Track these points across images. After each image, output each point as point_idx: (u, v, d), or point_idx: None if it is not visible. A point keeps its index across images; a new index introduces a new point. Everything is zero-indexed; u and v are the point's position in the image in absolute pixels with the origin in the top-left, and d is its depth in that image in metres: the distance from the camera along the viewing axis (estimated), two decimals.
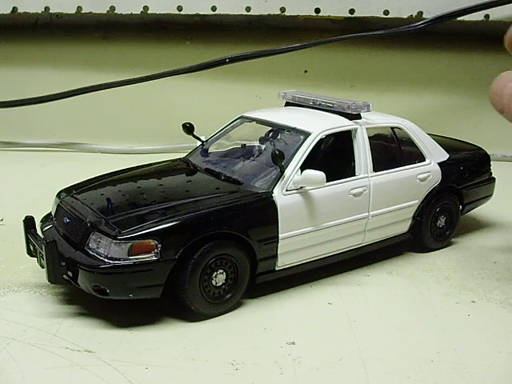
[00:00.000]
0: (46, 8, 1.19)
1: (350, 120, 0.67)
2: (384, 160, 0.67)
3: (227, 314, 0.58)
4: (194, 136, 0.72)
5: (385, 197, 0.67)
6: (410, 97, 1.23)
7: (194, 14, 1.19)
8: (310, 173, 0.60)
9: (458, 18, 1.06)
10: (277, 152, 0.59)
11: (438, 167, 0.74)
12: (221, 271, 0.57)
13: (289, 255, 0.61)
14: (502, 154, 1.16)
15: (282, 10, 1.16)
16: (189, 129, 0.72)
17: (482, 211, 0.88)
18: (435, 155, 0.74)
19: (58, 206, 0.62)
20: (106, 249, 0.54)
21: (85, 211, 0.59)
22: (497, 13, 1.09)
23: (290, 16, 1.17)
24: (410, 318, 0.59)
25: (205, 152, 0.72)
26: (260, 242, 0.59)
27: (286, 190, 0.60)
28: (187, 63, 1.06)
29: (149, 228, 0.54)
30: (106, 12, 1.19)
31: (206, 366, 0.49)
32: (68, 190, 0.65)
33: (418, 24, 1.04)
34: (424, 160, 0.73)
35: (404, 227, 0.70)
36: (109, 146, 1.16)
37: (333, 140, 0.65)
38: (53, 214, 0.63)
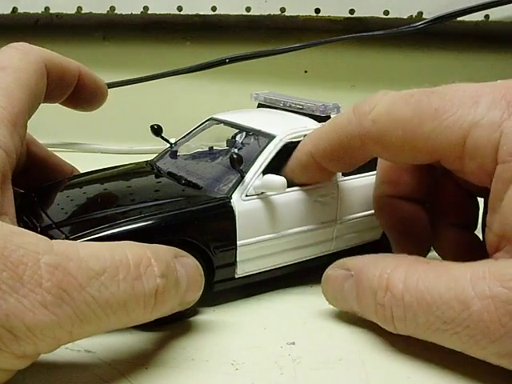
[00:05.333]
0: (46, 8, 1.19)
1: (319, 122, 0.65)
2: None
3: (227, 314, 0.58)
4: (162, 138, 0.70)
5: (354, 203, 0.64)
6: None
7: (194, 14, 1.19)
8: (270, 178, 0.58)
9: (458, 18, 1.06)
10: (235, 156, 0.57)
11: None
12: None
13: (250, 263, 0.59)
14: None
15: (282, 10, 1.16)
16: (156, 130, 0.69)
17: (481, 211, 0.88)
18: None
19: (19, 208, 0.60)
20: None
21: (39, 215, 0.57)
22: (497, 13, 1.09)
23: (290, 16, 1.17)
24: None
25: (172, 155, 0.70)
26: (217, 248, 0.57)
27: (246, 196, 0.58)
28: (187, 63, 1.07)
29: (97, 233, 0.52)
30: (106, 12, 1.19)
31: (206, 365, 0.49)
32: (28, 193, 0.62)
33: (418, 24, 1.05)
34: None
35: (376, 234, 0.68)
36: (109, 146, 1.16)
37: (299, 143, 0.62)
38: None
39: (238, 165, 0.58)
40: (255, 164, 0.60)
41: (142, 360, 0.50)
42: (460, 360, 0.51)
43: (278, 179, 0.57)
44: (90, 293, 0.39)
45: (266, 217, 0.59)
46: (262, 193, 0.59)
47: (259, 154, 0.60)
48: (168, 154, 0.70)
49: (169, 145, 0.71)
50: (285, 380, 0.48)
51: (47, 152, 0.67)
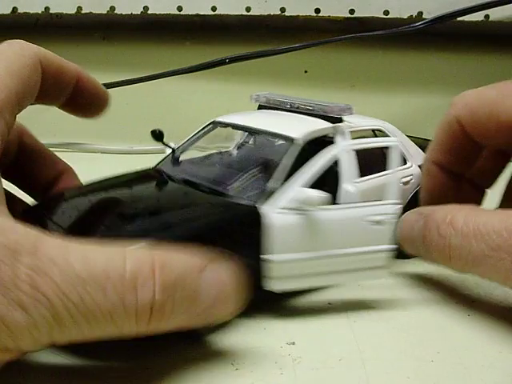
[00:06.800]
0: (46, 8, 1.19)
1: (333, 123, 0.63)
2: (369, 165, 0.62)
3: None
4: (163, 143, 0.67)
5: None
6: (410, 97, 1.23)
7: (194, 14, 1.19)
8: (307, 192, 0.55)
9: (458, 18, 1.06)
10: (268, 161, 0.55)
11: (418, 170, 0.71)
12: None
13: (282, 281, 0.56)
14: None
15: (282, 10, 1.16)
16: (158, 136, 0.66)
17: None
18: (415, 158, 0.72)
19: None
20: None
21: (52, 227, 0.53)
22: (497, 13, 1.09)
23: (290, 16, 1.17)
24: (409, 318, 0.59)
25: (177, 161, 0.66)
26: (251, 258, 0.54)
27: (281, 208, 0.55)
28: (187, 63, 1.07)
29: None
30: (106, 12, 1.19)
31: (206, 365, 0.49)
32: (38, 210, 0.57)
33: (418, 24, 1.05)
34: (405, 163, 0.70)
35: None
36: (109, 146, 1.16)
37: (316, 146, 0.60)
38: None
39: (272, 171, 0.55)
40: (282, 170, 0.56)
41: (142, 360, 0.50)
42: (459, 360, 0.52)
43: (316, 194, 0.54)
44: (71, 299, 0.38)
45: (303, 234, 0.54)
46: (300, 207, 0.55)
47: (290, 160, 0.57)
48: (173, 160, 0.67)
49: (170, 150, 0.68)
50: (285, 380, 0.49)
51: (40, 145, 0.65)
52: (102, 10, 1.18)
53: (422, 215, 0.57)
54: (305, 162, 0.59)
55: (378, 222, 0.57)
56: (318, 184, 0.58)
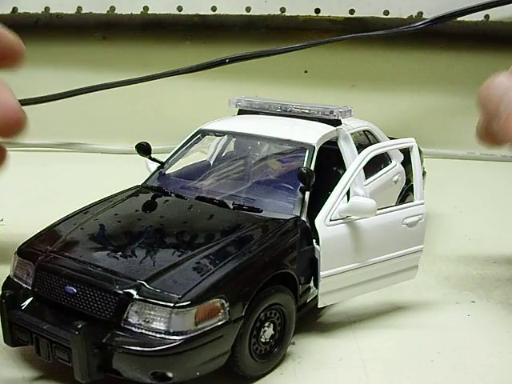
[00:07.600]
0: (46, 8, 1.19)
1: (335, 126, 0.63)
2: (369, 166, 0.61)
3: None
4: (150, 158, 0.64)
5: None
6: (410, 97, 1.23)
7: (194, 14, 1.19)
8: (359, 200, 0.53)
9: (458, 18, 1.06)
10: (305, 171, 0.53)
11: (402, 168, 0.72)
12: (268, 324, 0.50)
13: (331, 295, 0.55)
14: (501, 155, 1.16)
15: (282, 10, 1.17)
16: (145, 150, 0.63)
17: (481, 212, 0.88)
18: (397, 156, 0.73)
19: (41, 269, 0.49)
20: (165, 322, 0.44)
21: (98, 274, 0.47)
22: (497, 13, 1.09)
23: (290, 16, 1.17)
24: (409, 318, 0.59)
25: (164, 175, 0.64)
26: (303, 276, 0.53)
27: (330, 220, 0.52)
28: (187, 63, 1.07)
29: (209, 284, 0.45)
30: (106, 12, 1.19)
31: None
32: (38, 246, 0.52)
33: (418, 24, 1.04)
34: (391, 162, 0.71)
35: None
36: (109, 146, 1.16)
37: (324, 152, 0.59)
38: (26, 279, 0.51)
39: (310, 180, 0.53)
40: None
41: None
42: (459, 360, 0.52)
43: (369, 202, 0.53)
44: None
45: (352, 244, 0.53)
46: (347, 216, 0.53)
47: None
48: (172, 175, 0.64)
49: (159, 164, 0.65)
50: (285, 380, 0.49)
51: None
52: (102, 10, 1.19)
53: None
54: (316, 166, 0.58)
55: (412, 224, 0.57)
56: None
